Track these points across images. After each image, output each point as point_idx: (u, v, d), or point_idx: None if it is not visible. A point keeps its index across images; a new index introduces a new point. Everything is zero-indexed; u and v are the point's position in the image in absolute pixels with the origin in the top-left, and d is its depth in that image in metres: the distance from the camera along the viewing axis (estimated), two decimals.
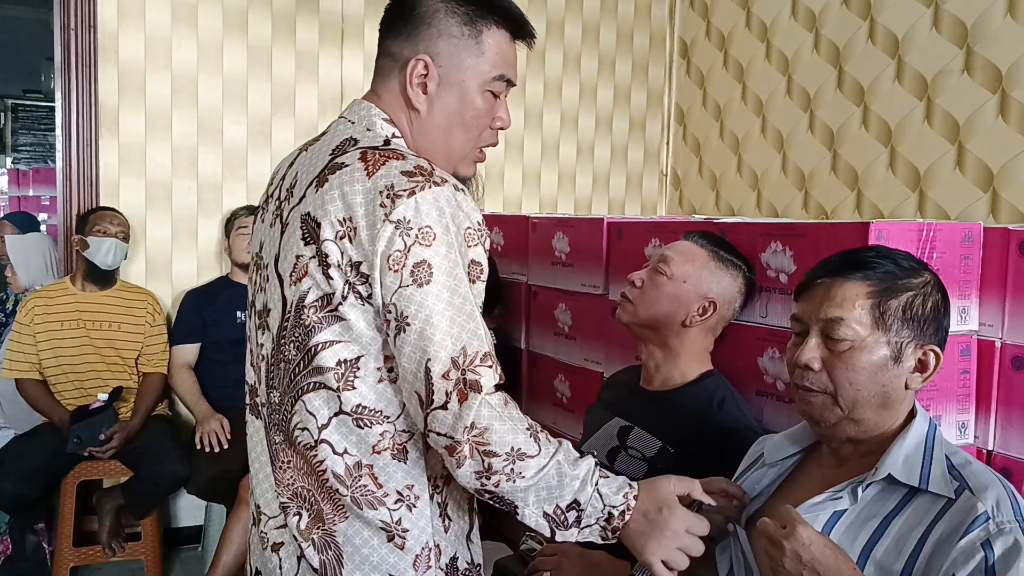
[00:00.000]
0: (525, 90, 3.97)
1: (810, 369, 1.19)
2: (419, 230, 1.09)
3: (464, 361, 1.08)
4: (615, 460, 1.70)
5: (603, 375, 2.33)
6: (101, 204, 3.27)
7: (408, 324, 1.09)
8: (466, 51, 1.22)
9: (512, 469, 1.09)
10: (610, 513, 1.15)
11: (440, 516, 1.21)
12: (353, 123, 1.25)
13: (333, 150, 1.21)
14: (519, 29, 1.27)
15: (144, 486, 2.93)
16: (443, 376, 1.07)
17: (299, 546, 1.20)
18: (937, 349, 1.19)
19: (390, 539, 1.17)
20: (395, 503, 1.17)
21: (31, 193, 6.87)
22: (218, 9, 3.42)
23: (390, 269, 1.09)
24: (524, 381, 2.79)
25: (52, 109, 5.30)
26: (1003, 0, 2.69)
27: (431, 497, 1.20)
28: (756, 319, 1.79)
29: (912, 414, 1.21)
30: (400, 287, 1.09)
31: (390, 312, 1.10)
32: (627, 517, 1.16)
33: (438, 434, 1.09)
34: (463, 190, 1.16)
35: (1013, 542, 1.03)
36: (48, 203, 6.66)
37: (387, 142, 1.22)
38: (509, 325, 2.86)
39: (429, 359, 1.08)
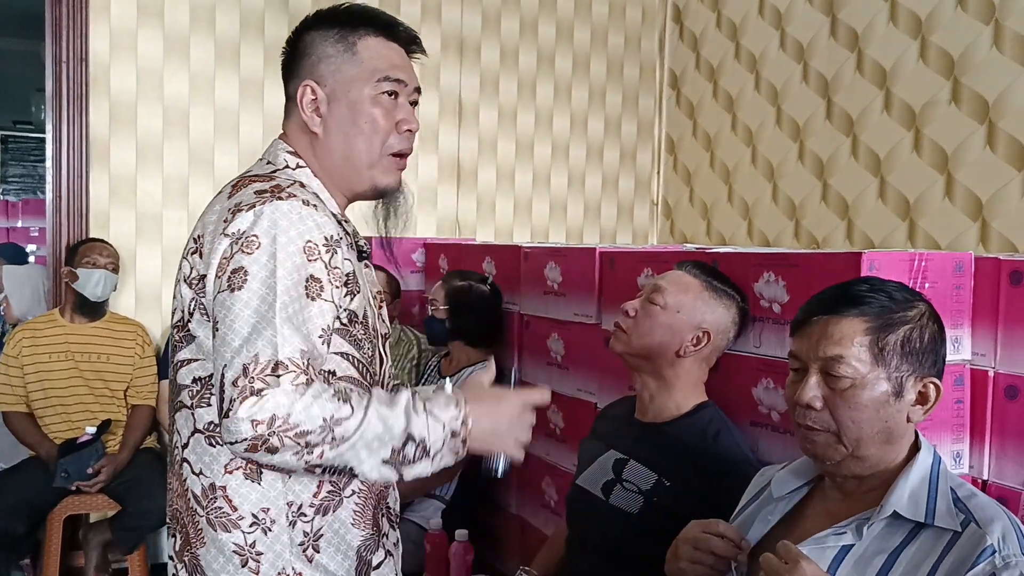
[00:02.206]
0: (516, 121, 4.00)
1: (812, 408, 1.18)
2: (246, 239, 1.11)
3: (255, 369, 1.04)
4: (610, 493, 1.68)
5: (596, 406, 2.31)
6: (91, 235, 3.25)
7: (217, 329, 1.09)
8: (346, 65, 1.26)
9: (332, 436, 1.05)
10: (452, 430, 1.12)
11: (302, 545, 1.18)
12: (262, 159, 1.31)
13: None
14: (391, 31, 1.31)
15: (132, 521, 2.89)
16: (233, 383, 1.04)
17: (175, 568, 1.22)
18: (937, 381, 1.19)
19: (244, 563, 1.16)
20: (250, 526, 1.16)
21: (20, 224, 6.85)
22: (210, 41, 3.43)
23: (216, 277, 1.11)
24: None
25: (42, 140, 5.28)
26: (988, 32, 2.72)
27: (292, 524, 1.17)
28: (750, 349, 1.79)
29: (916, 447, 1.20)
30: (218, 292, 1.10)
31: (213, 321, 1.11)
32: (470, 423, 1.13)
33: (232, 443, 1.04)
34: (315, 206, 1.17)
35: None
36: (37, 234, 6.64)
37: (276, 170, 1.25)
38: (501, 355, 2.84)
39: (225, 364, 1.06)
